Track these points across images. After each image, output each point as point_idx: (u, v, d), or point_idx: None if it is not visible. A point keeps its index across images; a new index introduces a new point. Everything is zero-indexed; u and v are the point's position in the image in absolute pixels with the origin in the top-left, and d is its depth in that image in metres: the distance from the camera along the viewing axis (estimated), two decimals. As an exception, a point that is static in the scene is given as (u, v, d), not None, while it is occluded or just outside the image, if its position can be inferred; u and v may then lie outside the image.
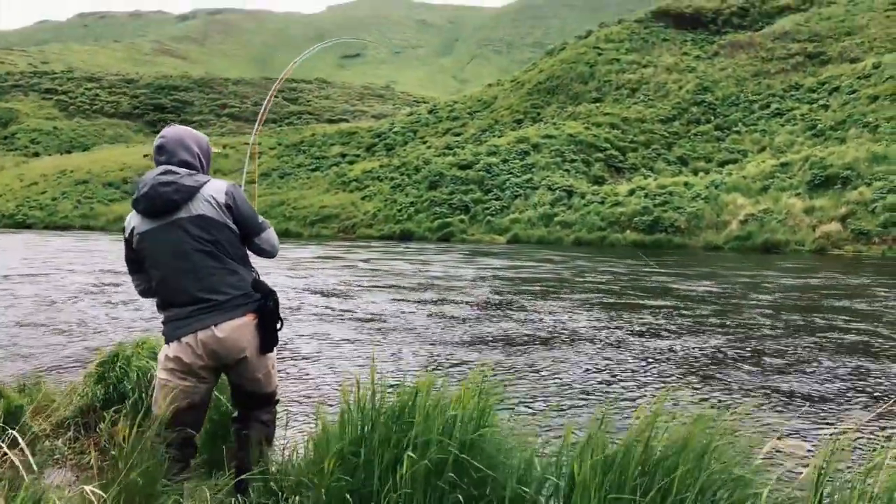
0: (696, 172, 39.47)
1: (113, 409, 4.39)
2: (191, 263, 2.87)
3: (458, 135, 53.99)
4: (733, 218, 32.14)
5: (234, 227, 2.96)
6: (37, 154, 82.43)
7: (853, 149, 33.49)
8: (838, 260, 25.39)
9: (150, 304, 8.66)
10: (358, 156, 54.97)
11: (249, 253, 3.19)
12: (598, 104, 51.18)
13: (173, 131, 3.05)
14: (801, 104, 43.73)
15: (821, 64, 47.54)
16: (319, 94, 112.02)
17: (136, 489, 2.66)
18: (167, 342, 2.95)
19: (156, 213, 2.86)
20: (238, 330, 2.89)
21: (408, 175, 45.03)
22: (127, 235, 3.00)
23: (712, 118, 46.37)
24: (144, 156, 66.01)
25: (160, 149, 3.00)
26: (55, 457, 3.93)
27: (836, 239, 28.53)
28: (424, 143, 53.86)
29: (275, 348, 3.09)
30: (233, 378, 3.06)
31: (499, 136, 48.82)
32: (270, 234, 3.17)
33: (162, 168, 2.91)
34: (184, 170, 2.93)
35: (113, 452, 4.03)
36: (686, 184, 35.67)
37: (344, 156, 55.19)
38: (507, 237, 35.19)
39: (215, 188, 2.93)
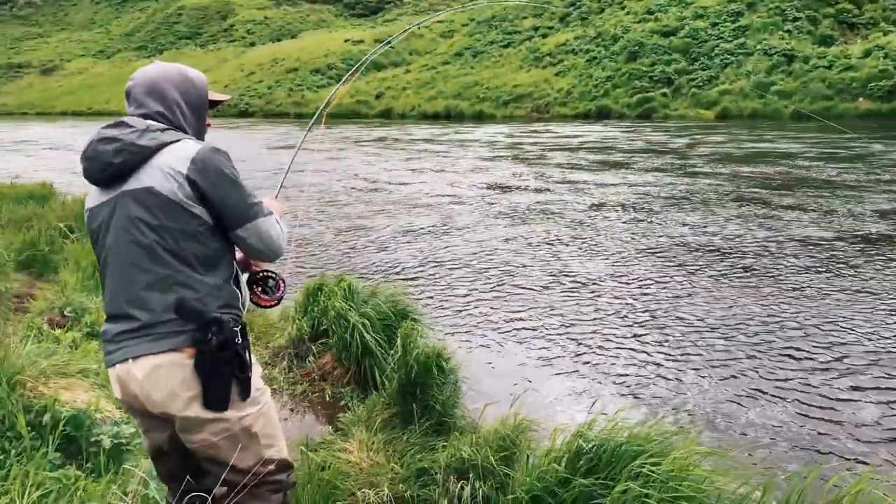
0: (954, 23, 33.17)
1: (320, 342, 4.84)
2: (124, 260, 2.00)
3: (660, -4, 49.49)
4: None
5: (198, 211, 1.99)
6: (252, 44, 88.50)
7: None
8: None
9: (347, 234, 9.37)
10: (551, 28, 52.65)
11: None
12: (830, -54, 43.94)
13: (146, 71, 2.16)
14: None
15: None
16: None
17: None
18: None
19: (97, 180, 2.05)
20: (158, 372, 1.94)
21: (604, 46, 42.54)
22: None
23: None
24: (345, 41, 68.58)
25: (126, 96, 2.16)
26: (273, 387, 4.43)
27: None
28: (623, 8, 50.08)
29: (244, 404, 2.05)
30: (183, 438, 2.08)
31: (707, -5, 44.03)
32: (266, 225, 2.10)
33: (115, 120, 2.08)
34: (144, 122, 2.05)
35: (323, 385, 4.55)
36: (940, 38, 30.21)
37: (536, 28, 53.13)
38: (715, 111, 32.47)
39: (179, 153, 2.00)
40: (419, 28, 69.34)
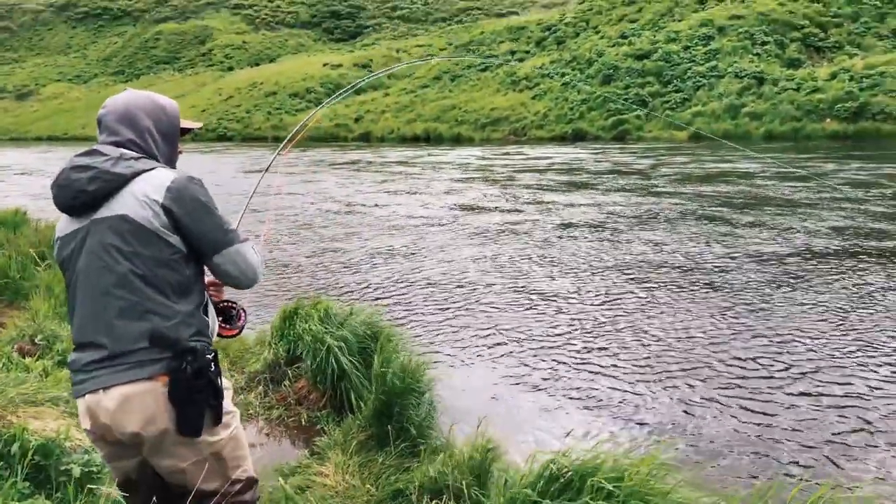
0: (916, 47, 34.14)
1: (295, 366, 4.84)
2: (95, 287, 1.98)
3: (633, 21, 50.46)
4: (962, 100, 27.70)
5: (173, 240, 2.00)
6: (231, 68, 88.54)
7: None
8: None
9: (330, 254, 9.45)
10: (528, 52, 53.43)
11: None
12: (796, -27, 45.15)
13: (117, 99, 2.16)
14: None
15: None
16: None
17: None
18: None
19: (69, 208, 2.04)
20: (131, 401, 1.92)
21: (580, 70, 43.23)
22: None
23: (943, -22, 39.30)
24: (324, 65, 68.87)
25: (98, 124, 2.16)
26: (249, 412, 4.41)
27: None
28: (597, 33, 51.03)
29: (216, 429, 2.06)
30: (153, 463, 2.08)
31: (679, 21, 45.01)
32: (243, 251, 2.12)
33: (87, 148, 2.07)
34: (117, 150, 2.05)
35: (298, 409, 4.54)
36: (903, 61, 31.05)
37: (513, 53, 53.89)
38: (688, 133, 33.00)
39: (154, 181, 2.00)
40: (397, 53, 70.00)
